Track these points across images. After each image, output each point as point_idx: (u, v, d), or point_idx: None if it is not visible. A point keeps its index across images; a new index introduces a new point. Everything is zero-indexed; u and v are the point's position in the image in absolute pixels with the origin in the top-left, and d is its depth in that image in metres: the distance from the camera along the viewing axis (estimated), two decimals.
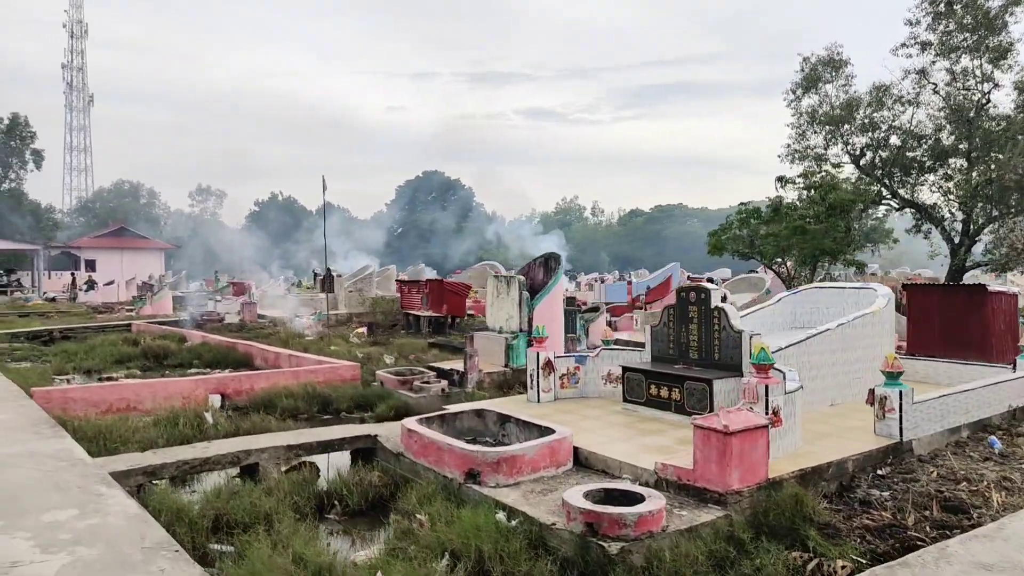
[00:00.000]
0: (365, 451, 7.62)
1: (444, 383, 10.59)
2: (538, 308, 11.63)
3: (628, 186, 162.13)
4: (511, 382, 11.18)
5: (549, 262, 12.28)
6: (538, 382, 8.94)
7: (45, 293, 40.74)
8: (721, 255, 22.38)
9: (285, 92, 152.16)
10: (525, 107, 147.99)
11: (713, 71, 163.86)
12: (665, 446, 6.87)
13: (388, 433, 7.68)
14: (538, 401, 8.97)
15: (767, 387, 6.21)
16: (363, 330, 19.83)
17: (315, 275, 31.17)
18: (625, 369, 8.58)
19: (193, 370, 14.87)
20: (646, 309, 20.17)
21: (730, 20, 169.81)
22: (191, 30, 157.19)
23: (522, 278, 11.80)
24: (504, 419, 7.52)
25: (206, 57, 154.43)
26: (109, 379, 14.16)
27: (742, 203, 22.29)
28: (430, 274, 40.85)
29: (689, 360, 8.36)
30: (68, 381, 13.86)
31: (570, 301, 16.84)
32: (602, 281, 40.21)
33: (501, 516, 5.22)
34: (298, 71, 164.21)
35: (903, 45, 21.10)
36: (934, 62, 20.74)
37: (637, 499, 5.05)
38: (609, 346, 9.43)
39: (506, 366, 11.44)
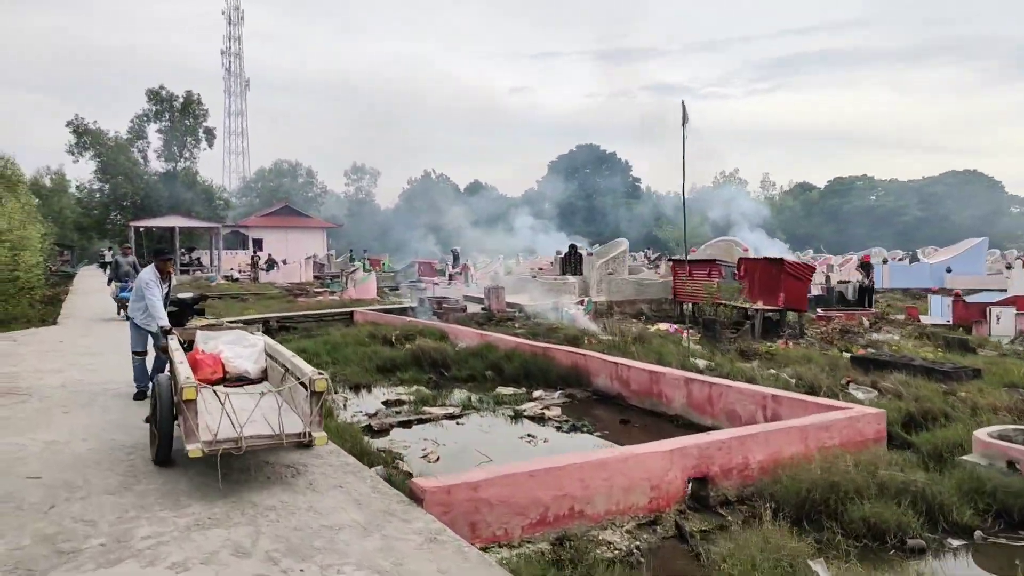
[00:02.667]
0: None
1: None
2: None
3: (768, 160, 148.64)
4: None
5: None
6: None
7: (232, 270, 39.03)
8: None
9: (414, 79, 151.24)
10: (653, 83, 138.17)
11: (854, 38, 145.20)
12: None
13: None
14: None
15: None
16: (667, 327, 14.55)
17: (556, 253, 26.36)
18: None
19: (531, 394, 10.02)
20: None
21: None
22: (323, 22, 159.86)
23: None
24: None
25: (340, 48, 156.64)
26: (398, 403, 9.61)
27: None
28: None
29: None
30: (345, 406, 9.42)
31: None
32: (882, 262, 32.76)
33: None
34: (425, 57, 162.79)
35: None
36: None
37: None
38: None
39: None
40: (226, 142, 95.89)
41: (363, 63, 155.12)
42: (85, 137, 47.10)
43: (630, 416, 8.71)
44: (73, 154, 47.29)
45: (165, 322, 6.59)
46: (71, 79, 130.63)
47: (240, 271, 40.83)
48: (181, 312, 7.35)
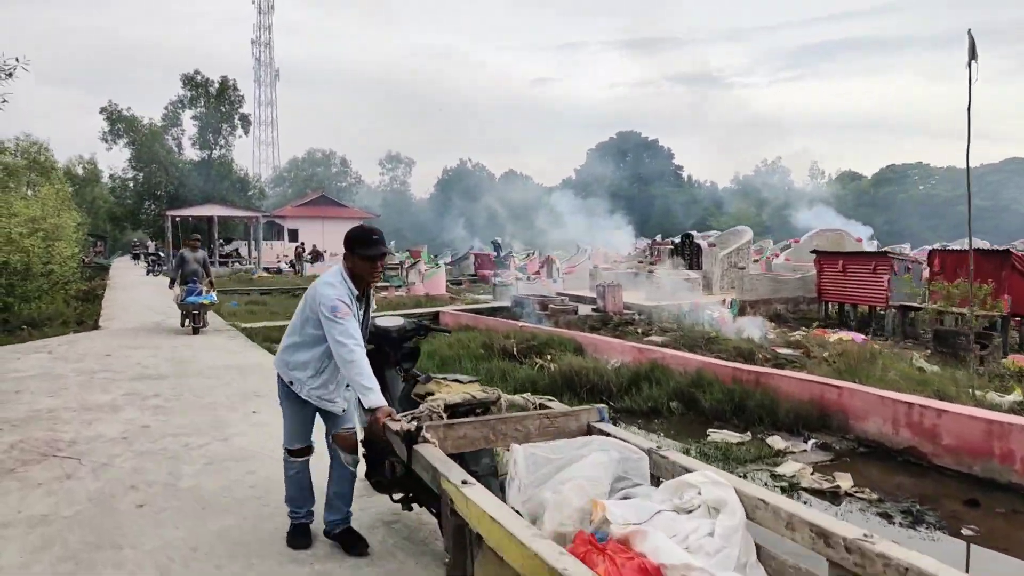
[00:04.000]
0: None
1: None
2: None
3: (808, 149, 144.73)
4: None
5: None
6: None
7: (279, 261, 36.69)
8: None
9: (444, 69, 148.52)
10: (677, 72, 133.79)
11: (887, 24, 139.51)
12: None
13: None
14: None
15: None
16: (851, 335, 11.56)
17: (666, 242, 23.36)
18: None
19: (763, 441, 7.12)
20: None
21: None
22: (351, 11, 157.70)
23: None
24: None
25: (369, 37, 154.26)
26: None
27: None
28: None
29: None
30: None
31: None
32: None
33: None
34: (455, 46, 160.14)
35: None
36: None
37: None
38: None
39: None
40: (256, 132, 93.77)
41: (393, 53, 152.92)
42: (119, 124, 44.97)
43: (955, 487, 5.78)
44: (107, 141, 45.22)
45: (380, 399, 2.94)
46: (103, 73, 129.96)
47: (281, 262, 38.49)
48: (381, 356, 3.56)
